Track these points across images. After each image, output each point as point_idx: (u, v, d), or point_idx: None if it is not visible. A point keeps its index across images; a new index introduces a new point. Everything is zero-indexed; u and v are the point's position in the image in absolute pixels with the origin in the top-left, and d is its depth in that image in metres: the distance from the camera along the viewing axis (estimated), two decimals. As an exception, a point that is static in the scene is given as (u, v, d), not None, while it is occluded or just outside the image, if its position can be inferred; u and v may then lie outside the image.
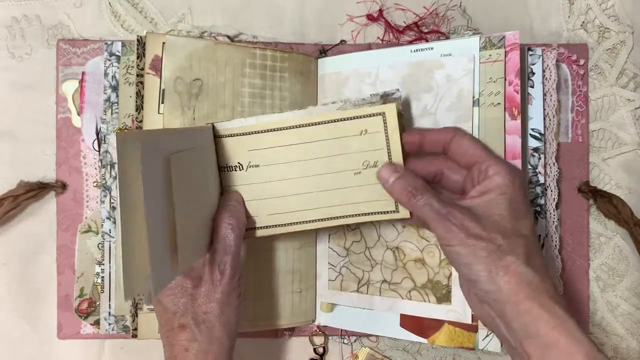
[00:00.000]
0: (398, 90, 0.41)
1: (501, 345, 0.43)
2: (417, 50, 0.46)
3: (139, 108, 0.43)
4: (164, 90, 0.43)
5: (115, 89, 0.48)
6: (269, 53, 0.47)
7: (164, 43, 0.44)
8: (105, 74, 0.48)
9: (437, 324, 0.45)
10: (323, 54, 0.50)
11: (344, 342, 0.51)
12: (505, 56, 0.43)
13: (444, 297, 0.45)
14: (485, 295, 0.36)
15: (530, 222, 0.37)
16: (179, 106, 0.44)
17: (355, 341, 0.51)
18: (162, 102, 0.44)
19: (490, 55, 0.43)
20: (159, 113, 0.44)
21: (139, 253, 0.31)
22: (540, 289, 0.34)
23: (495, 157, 0.38)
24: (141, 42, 0.43)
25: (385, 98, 0.41)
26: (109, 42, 0.48)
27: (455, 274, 0.44)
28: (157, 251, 0.30)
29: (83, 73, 0.49)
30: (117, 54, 0.48)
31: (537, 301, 0.34)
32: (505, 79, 0.42)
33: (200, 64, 0.45)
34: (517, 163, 0.42)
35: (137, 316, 0.44)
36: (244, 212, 0.42)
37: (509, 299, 0.34)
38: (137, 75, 0.43)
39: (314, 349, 0.50)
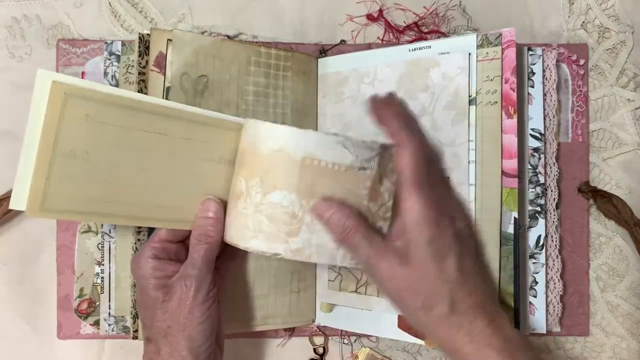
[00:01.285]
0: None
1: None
2: (414, 49, 0.46)
3: None
4: (168, 87, 0.43)
5: (115, 88, 0.48)
6: (273, 52, 0.47)
7: (169, 39, 0.43)
8: (105, 74, 0.48)
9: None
10: (323, 54, 0.50)
11: (344, 342, 0.51)
12: (502, 53, 0.42)
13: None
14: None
15: (455, 258, 0.34)
16: (184, 103, 0.43)
17: (355, 341, 0.51)
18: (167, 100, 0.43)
19: (487, 53, 0.43)
20: None
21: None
22: (472, 333, 0.33)
23: (413, 184, 0.34)
24: (143, 40, 0.43)
25: (383, 151, 0.38)
26: (108, 42, 0.48)
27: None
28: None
29: (83, 73, 0.49)
30: (117, 53, 0.48)
31: (472, 346, 0.33)
32: (502, 77, 0.42)
33: (207, 60, 0.44)
34: (514, 162, 0.42)
35: (137, 317, 0.44)
36: (219, 225, 0.38)
37: (451, 349, 0.34)
38: (139, 74, 0.43)
39: (314, 349, 0.50)
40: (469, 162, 0.43)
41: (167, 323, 0.38)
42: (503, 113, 0.42)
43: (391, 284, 0.34)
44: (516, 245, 0.43)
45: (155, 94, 0.43)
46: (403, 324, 0.46)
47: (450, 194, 0.37)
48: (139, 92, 0.43)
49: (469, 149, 0.43)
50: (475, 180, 0.43)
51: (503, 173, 0.42)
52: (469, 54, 0.43)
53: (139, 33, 0.43)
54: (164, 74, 0.43)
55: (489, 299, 0.35)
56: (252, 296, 0.47)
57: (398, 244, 0.34)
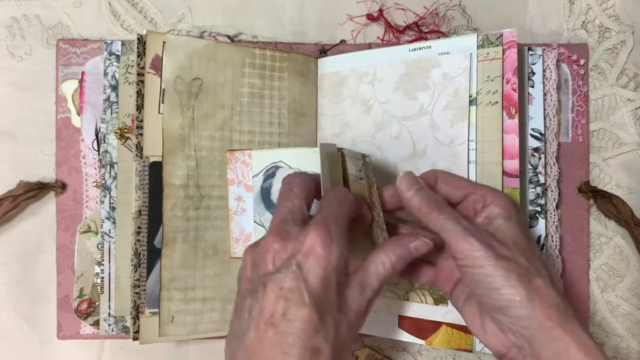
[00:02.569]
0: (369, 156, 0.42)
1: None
2: (415, 49, 0.46)
3: (140, 107, 0.43)
4: (164, 89, 0.44)
5: (115, 88, 0.48)
6: (268, 53, 0.47)
7: (164, 42, 0.44)
8: (105, 74, 0.48)
9: (434, 326, 0.45)
10: (323, 54, 0.50)
11: (343, 342, 0.50)
12: (503, 54, 0.42)
13: (441, 298, 0.44)
14: (515, 323, 0.33)
15: (536, 244, 0.37)
16: (178, 106, 0.44)
17: (355, 341, 0.51)
18: (163, 102, 0.44)
19: (487, 53, 0.43)
20: (159, 113, 0.44)
21: None
22: (568, 313, 0.33)
23: (485, 187, 0.38)
24: (142, 41, 0.43)
25: (364, 160, 0.41)
26: (108, 42, 0.48)
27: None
28: None
29: (83, 73, 0.49)
30: (117, 53, 0.48)
31: (567, 327, 0.32)
32: (503, 77, 0.42)
33: (200, 63, 0.44)
34: (515, 163, 0.42)
35: (138, 319, 0.44)
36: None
37: (541, 324, 0.32)
38: (138, 74, 0.43)
39: (314, 349, 0.50)
40: (468, 162, 0.43)
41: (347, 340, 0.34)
42: (504, 113, 0.42)
43: (496, 252, 0.34)
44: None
45: (152, 96, 0.44)
46: (405, 324, 0.46)
47: None
48: (138, 92, 0.43)
49: (468, 149, 0.43)
50: (476, 180, 0.43)
51: (504, 173, 0.42)
52: (470, 54, 0.43)
53: (138, 34, 0.43)
54: (160, 76, 0.43)
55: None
56: None
57: (489, 228, 0.36)
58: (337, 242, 0.33)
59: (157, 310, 0.44)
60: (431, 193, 0.37)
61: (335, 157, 0.40)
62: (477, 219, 0.37)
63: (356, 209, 0.37)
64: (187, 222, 0.44)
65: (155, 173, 0.43)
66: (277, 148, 0.47)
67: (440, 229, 0.36)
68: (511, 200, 0.37)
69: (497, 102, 0.42)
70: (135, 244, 0.43)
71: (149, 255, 0.44)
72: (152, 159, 0.44)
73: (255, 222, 0.45)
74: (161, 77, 0.44)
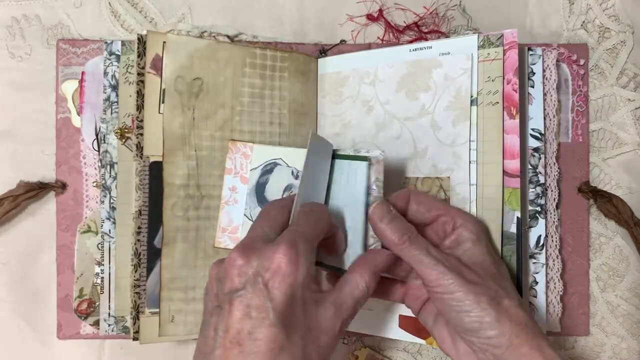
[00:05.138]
0: (382, 152, 0.40)
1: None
2: (415, 49, 0.46)
3: (140, 107, 0.43)
4: (164, 89, 0.43)
5: (115, 88, 0.48)
6: (269, 53, 0.47)
7: (164, 42, 0.44)
8: (105, 73, 0.48)
9: (435, 325, 0.45)
10: (323, 54, 0.50)
11: (344, 342, 0.51)
12: (504, 54, 0.42)
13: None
14: (485, 343, 0.35)
15: (504, 266, 0.39)
16: (179, 105, 0.44)
17: (355, 341, 0.51)
18: (163, 102, 0.44)
19: (488, 53, 0.43)
20: (159, 112, 0.44)
21: None
22: (534, 330, 0.35)
23: (456, 209, 0.40)
24: (142, 41, 0.43)
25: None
26: (108, 41, 0.48)
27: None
28: None
29: (83, 73, 0.49)
30: (117, 53, 0.48)
31: (534, 343, 0.34)
32: (503, 78, 0.42)
33: (201, 63, 0.44)
34: (516, 163, 0.42)
35: (138, 319, 0.44)
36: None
37: (510, 342, 0.34)
38: (138, 74, 0.43)
39: (314, 349, 0.50)
40: (470, 162, 0.43)
41: None
42: (505, 114, 0.42)
43: (465, 279, 0.36)
44: (519, 245, 0.43)
45: (152, 96, 0.44)
46: (405, 323, 0.46)
47: None
48: (138, 92, 0.43)
49: (469, 149, 0.43)
50: (476, 180, 0.43)
51: (505, 173, 0.42)
52: (472, 54, 0.43)
53: (138, 34, 0.43)
54: (161, 76, 0.43)
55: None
56: None
57: (452, 252, 0.38)
58: (305, 260, 0.32)
59: (157, 310, 0.44)
60: (403, 223, 0.38)
61: (325, 156, 0.40)
62: (446, 241, 0.39)
63: (329, 230, 0.37)
64: (187, 222, 0.44)
65: (155, 173, 0.43)
66: (278, 145, 0.47)
67: (412, 260, 0.37)
68: (481, 224, 0.40)
69: (498, 103, 0.42)
70: (135, 244, 0.43)
71: (149, 255, 0.44)
72: (152, 159, 0.44)
73: (245, 215, 0.45)
74: (161, 77, 0.44)
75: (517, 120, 0.42)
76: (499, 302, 0.35)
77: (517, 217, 0.43)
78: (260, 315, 0.30)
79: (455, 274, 0.35)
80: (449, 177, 0.44)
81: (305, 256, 0.32)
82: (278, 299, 0.31)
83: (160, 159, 0.43)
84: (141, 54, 0.43)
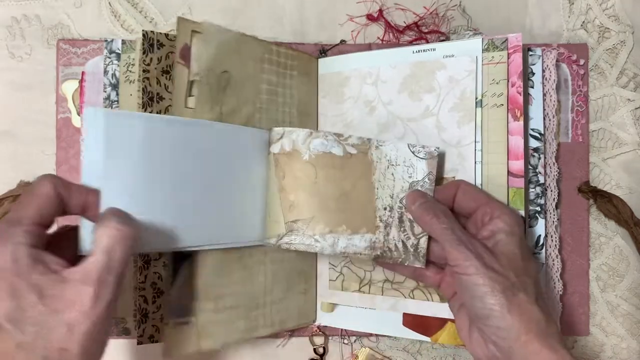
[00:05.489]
0: (437, 148, 0.42)
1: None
2: (419, 51, 0.46)
3: (146, 105, 0.42)
4: (192, 81, 0.42)
5: (115, 87, 0.47)
6: (282, 50, 0.46)
7: (192, 31, 0.42)
8: (105, 72, 0.48)
9: (440, 323, 0.45)
10: (323, 54, 0.50)
11: (344, 342, 0.51)
12: (508, 58, 0.43)
13: (447, 296, 0.45)
14: (494, 333, 0.35)
15: (535, 265, 0.38)
16: (209, 100, 0.41)
17: (355, 341, 0.51)
18: (190, 95, 0.42)
19: (493, 57, 0.43)
20: (186, 107, 0.42)
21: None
22: (549, 330, 0.35)
23: (497, 202, 0.40)
24: (147, 37, 0.42)
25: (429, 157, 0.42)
26: (108, 40, 0.48)
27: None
28: None
29: (83, 73, 0.49)
30: (117, 51, 0.48)
31: (546, 342, 0.34)
32: (508, 81, 0.42)
33: (228, 56, 0.43)
34: (520, 163, 0.42)
35: (143, 322, 0.42)
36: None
37: (518, 337, 0.34)
38: (144, 71, 0.42)
39: (314, 349, 0.50)
40: (475, 163, 0.43)
41: None
42: (510, 115, 0.42)
43: (484, 262, 0.36)
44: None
45: (179, 88, 0.42)
46: (409, 322, 0.46)
47: None
48: (143, 90, 0.41)
49: (475, 149, 0.43)
50: (481, 181, 0.43)
51: (510, 173, 0.42)
52: (476, 57, 0.43)
53: (143, 30, 0.42)
54: (189, 67, 0.42)
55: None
56: (271, 301, 0.46)
57: (487, 242, 0.38)
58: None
59: (182, 320, 0.41)
60: (434, 204, 0.40)
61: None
62: (483, 231, 0.39)
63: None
64: None
65: None
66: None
67: (438, 236, 0.39)
68: (517, 217, 0.39)
69: (503, 105, 0.42)
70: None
71: (175, 262, 0.42)
72: None
73: None
74: (189, 68, 0.42)
75: (521, 122, 0.42)
76: (514, 294, 0.35)
77: (521, 217, 0.43)
78: None
79: (476, 256, 0.36)
80: (454, 177, 0.44)
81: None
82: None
83: None
84: (146, 51, 0.42)
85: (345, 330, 0.50)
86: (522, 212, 0.42)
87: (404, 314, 0.46)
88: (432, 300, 0.45)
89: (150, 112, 0.42)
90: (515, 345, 0.34)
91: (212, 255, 0.42)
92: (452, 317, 0.44)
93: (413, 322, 0.46)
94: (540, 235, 0.46)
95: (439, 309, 0.45)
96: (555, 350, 0.34)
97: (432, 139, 0.45)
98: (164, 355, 0.42)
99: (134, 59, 0.47)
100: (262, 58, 0.45)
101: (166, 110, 0.43)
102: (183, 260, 0.42)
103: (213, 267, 0.42)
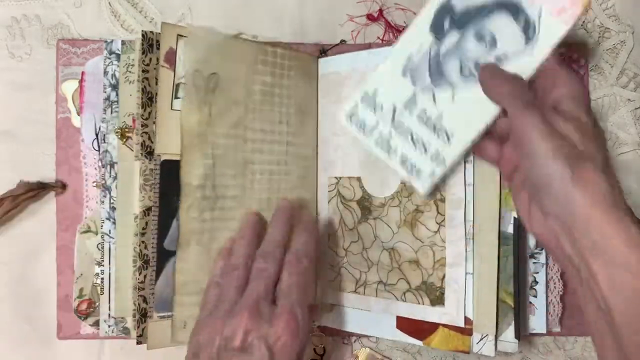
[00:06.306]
0: None
1: (495, 349, 0.43)
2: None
3: (145, 105, 0.42)
4: (177, 84, 0.42)
5: (115, 87, 0.47)
6: (278, 51, 0.46)
7: (178, 35, 0.42)
8: (105, 73, 0.48)
9: (432, 326, 0.45)
10: (323, 54, 0.50)
11: (343, 342, 0.51)
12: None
13: (438, 299, 0.44)
14: (554, 204, 0.32)
15: (603, 136, 0.34)
16: (196, 101, 0.42)
17: (355, 341, 0.51)
18: (176, 97, 0.43)
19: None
20: (171, 109, 0.43)
21: None
22: (616, 202, 0.30)
23: (562, 67, 0.36)
24: (146, 38, 0.42)
25: None
26: (108, 41, 0.48)
27: (449, 275, 0.44)
28: None
29: (83, 73, 0.49)
30: (117, 52, 0.48)
31: (613, 216, 0.30)
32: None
33: (217, 58, 0.43)
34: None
35: (143, 322, 0.43)
36: None
37: (582, 209, 0.30)
38: (143, 71, 0.42)
39: (314, 349, 0.50)
40: (465, 162, 0.43)
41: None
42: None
43: (552, 127, 0.32)
44: (516, 245, 0.43)
45: (165, 91, 0.42)
46: (402, 324, 0.46)
47: None
48: (142, 90, 0.42)
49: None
50: (473, 180, 0.43)
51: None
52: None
53: (143, 30, 0.42)
54: (174, 71, 0.43)
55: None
56: None
57: (562, 107, 0.34)
58: (303, 330, 0.35)
59: (166, 314, 0.43)
60: (503, 71, 0.36)
61: None
62: (547, 99, 0.35)
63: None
64: (202, 224, 0.43)
65: (167, 172, 0.42)
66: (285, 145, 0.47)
67: (504, 100, 0.35)
68: (582, 85, 0.36)
69: None
70: (139, 245, 0.42)
71: (159, 257, 0.43)
72: (164, 157, 0.43)
73: None
74: (174, 72, 0.43)
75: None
76: (579, 162, 0.31)
77: (514, 218, 0.43)
78: None
79: (541, 121, 0.32)
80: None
81: (303, 326, 0.35)
82: None
83: (172, 157, 0.42)
84: (146, 51, 0.42)
85: (344, 330, 0.50)
86: (515, 214, 0.42)
87: (398, 317, 0.46)
88: (423, 304, 0.45)
89: (149, 112, 0.43)
90: (577, 217, 0.31)
91: (193, 252, 0.42)
92: (442, 321, 0.44)
93: (406, 325, 0.46)
94: (540, 236, 0.46)
95: (430, 313, 0.45)
96: (621, 222, 0.30)
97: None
98: (148, 348, 0.43)
99: (133, 60, 0.47)
100: (255, 59, 0.45)
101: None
102: (169, 257, 0.43)
103: (194, 263, 0.43)
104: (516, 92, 0.35)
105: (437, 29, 0.39)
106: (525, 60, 0.37)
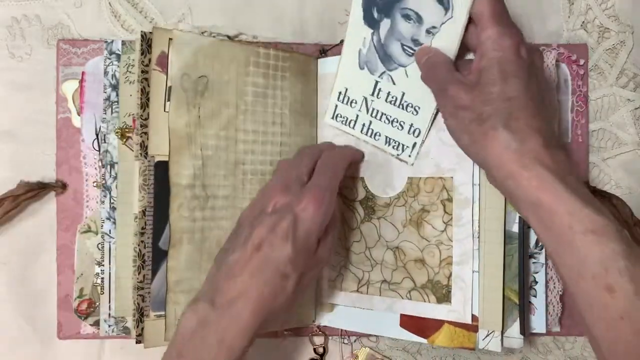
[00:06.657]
0: None
1: (501, 345, 0.43)
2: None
3: (144, 105, 0.42)
4: (170, 87, 0.43)
5: (115, 87, 0.47)
6: (272, 52, 0.47)
7: (170, 39, 0.43)
8: (105, 73, 0.48)
9: (437, 324, 0.45)
10: (323, 54, 0.50)
11: (344, 342, 0.51)
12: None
13: (444, 297, 0.45)
14: (481, 167, 0.38)
15: (520, 81, 0.35)
16: (184, 103, 0.43)
17: (355, 341, 0.51)
18: (169, 100, 0.43)
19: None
20: (165, 111, 0.43)
21: None
22: (522, 150, 0.34)
23: (493, 18, 0.37)
24: (145, 38, 0.42)
25: None
26: (109, 41, 0.48)
27: (455, 273, 0.44)
28: None
29: (83, 73, 0.49)
30: (117, 52, 0.48)
31: (517, 163, 0.34)
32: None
33: (206, 61, 0.44)
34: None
35: (141, 322, 0.43)
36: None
37: (494, 164, 0.35)
38: (142, 72, 0.42)
39: (314, 349, 0.50)
40: (473, 162, 0.43)
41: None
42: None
43: (454, 103, 0.37)
44: (521, 244, 0.43)
45: (158, 94, 0.43)
46: (406, 323, 0.46)
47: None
48: (142, 90, 0.42)
49: None
50: (479, 180, 0.43)
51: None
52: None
53: (142, 31, 0.42)
54: (166, 73, 0.43)
55: (546, 125, 0.36)
56: None
57: (471, 77, 0.37)
58: (326, 208, 0.39)
59: (162, 313, 0.43)
60: (437, 52, 0.41)
61: None
62: (476, 55, 0.38)
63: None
64: (193, 223, 0.43)
65: (160, 172, 0.43)
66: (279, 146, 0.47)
67: (430, 83, 0.42)
68: (502, 38, 0.36)
69: None
70: (138, 245, 0.42)
71: (154, 256, 0.43)
72: (157, 158, 0.43)
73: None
74: (167, 74, 0.43)
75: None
76: (479, 124, 0.36)
77: (519, 217, 0.43)
78: (283, 234, 0.37)
79: (448, 100, 0.38)
80: (452, 177, 0.44)
81: (327, 206, 0.39)
82: (300, 229, 0.38)
83: (165, 159, 0.43)
84: (145, 52, 0.42)
85: (344, 330, 0.50)
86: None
87: (401, 315, 0.46)
88: (429, 302, 0.45)
89: (149, 113, 0.43)
90: (494, 172, 0.35)
91: (184, 251, 0.43)
92: (449, 318, 0.44)
93: (410, 323, 0.46)
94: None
95: (436, 311, 0.45)
96: (526, 168, 0.33)
97: (430, 138, 0.45)
98: (145, 346, 0.43)
99: (133, 60, 0.47)
100: (247, 61, 0.45)
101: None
102: (164, 256, 0.43)
103: (185, 261, 0.43)
104: (436, 77, 0.40)
105: (370, 21, 0.43)
106: (451, 26, 0.40)
